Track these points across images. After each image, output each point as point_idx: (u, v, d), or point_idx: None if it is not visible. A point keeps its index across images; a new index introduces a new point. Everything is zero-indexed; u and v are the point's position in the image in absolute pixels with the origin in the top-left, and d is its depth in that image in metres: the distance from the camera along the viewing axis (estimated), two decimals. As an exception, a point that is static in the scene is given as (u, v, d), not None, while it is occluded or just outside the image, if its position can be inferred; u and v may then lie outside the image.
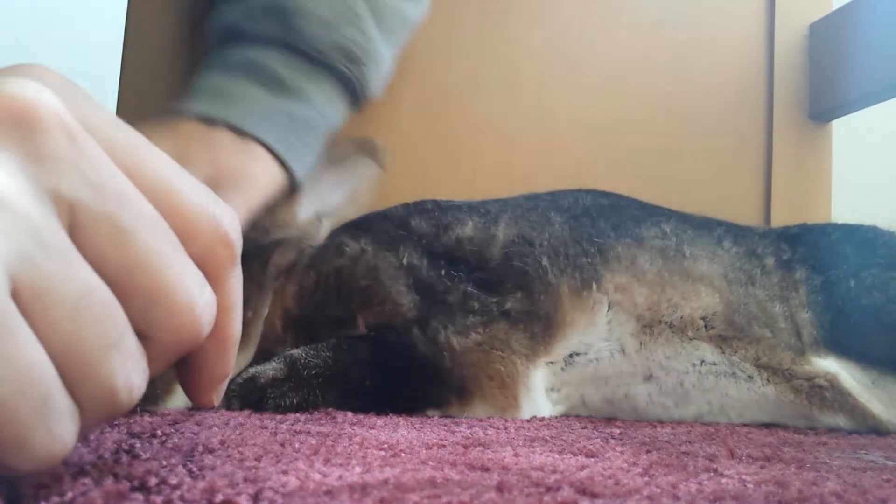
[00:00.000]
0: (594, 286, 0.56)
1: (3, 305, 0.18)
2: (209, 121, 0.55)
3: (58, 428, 0.19)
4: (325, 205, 0.60)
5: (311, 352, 0.48)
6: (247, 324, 0.48)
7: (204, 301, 0.23)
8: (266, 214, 0.56)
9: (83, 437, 0.21)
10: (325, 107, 0.61)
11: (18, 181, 0.19)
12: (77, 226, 0.20)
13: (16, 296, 0.19)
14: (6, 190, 0.19)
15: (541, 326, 0.54)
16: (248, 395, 0.46)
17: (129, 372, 0.21)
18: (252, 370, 0.47)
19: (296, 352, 0.49)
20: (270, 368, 0.47)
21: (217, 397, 0.27)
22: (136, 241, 0.21)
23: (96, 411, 0.21)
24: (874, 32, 0.80)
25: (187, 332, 0.23)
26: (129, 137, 0.23)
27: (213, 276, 0.24)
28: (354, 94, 0.64)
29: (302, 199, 0.58)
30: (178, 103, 0.58)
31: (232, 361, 0.27)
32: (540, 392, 0.54)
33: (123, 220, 0.21)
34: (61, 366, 0.20)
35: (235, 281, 0.26)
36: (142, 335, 0.22)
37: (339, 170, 0.61)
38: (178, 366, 0.26)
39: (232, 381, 0.46)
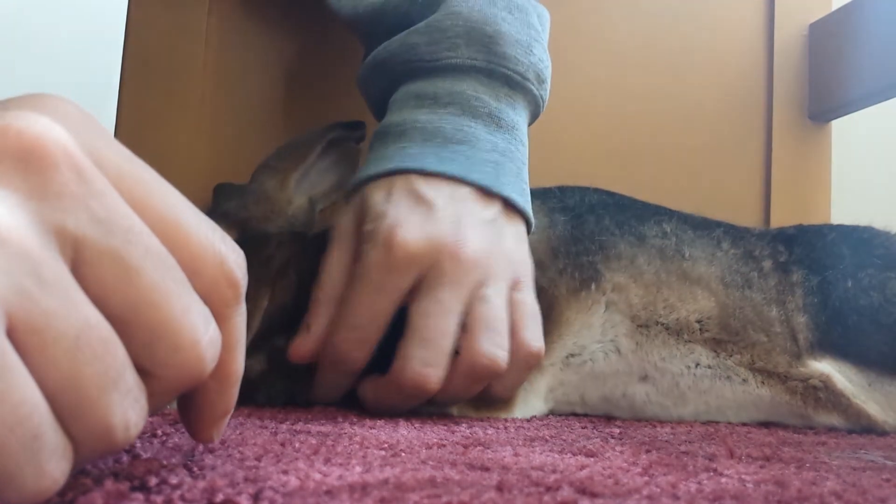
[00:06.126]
0: (593, 286, 0.56)
1: None
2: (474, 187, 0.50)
3: (48, 465, 0.19)
4: (317, 190, 0.60)
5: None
6: (247, 316, 0.48)
7: (209, 338, 0.23)
8: (263, 201, 0.56)
9: (77, 471, 0.21)
10: (524, 135, 0.57)
11: (18, 217, 0.19)
12: (81, 262, 0.20)
13: (12, 332, 0.18)
14: (5, 226, 0.19)
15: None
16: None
17: (127, 410, 0.21)
18: None
19: (279, 341, 0.49)
20: (256, 362, 0.47)
21: (218, 433, 0.27)
22: (141, 278, 0.21)
23: (91, 448, 0.21)
24: (874, 32, 0.80)
25: (191, 368, 0.22)
26: (139, 171, 0.23)
27: (216, 313, 0.24)
28: (535, 116, 0.60)
29: (295, 185, 0.58)
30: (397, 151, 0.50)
31: (234, 398, 0.27)
32: (540, 395, 0.54)
33: (130, 257, 0.21)
34: (57, 402, 0.19)
35: (239, 318, 0.25)
36: (144, 371, 0.22)
37: (328, 154, 0.61)
38: (180, 401, 0.26)
39: None
